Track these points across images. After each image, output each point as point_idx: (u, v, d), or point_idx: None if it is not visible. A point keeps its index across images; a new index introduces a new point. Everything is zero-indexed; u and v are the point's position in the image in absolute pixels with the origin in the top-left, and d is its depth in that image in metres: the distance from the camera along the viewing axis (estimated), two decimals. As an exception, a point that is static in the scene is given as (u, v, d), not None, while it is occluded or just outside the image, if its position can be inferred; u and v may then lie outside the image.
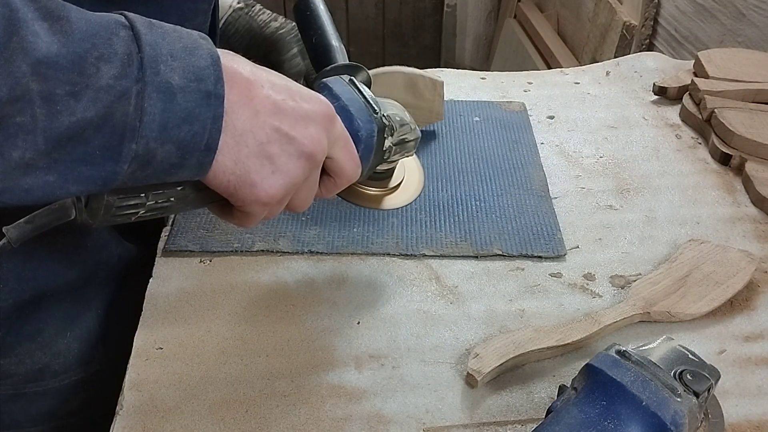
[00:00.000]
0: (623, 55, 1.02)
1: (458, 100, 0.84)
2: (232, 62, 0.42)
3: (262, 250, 0.61)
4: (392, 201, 0.63)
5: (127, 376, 0.51)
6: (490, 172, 0.72)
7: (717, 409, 0.46)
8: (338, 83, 0.54)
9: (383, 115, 0.53)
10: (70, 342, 0.61)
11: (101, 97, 0.35)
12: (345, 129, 0.49)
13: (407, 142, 0.57)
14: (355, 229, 0.64)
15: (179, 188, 0.44)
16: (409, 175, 0.64)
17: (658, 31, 1.53)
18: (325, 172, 0.49)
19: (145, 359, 0.52)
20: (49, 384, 0.60)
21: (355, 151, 0.50)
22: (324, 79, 0.54)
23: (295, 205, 0.48)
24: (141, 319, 0.55)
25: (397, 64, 0.75)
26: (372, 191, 0.62)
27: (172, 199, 0.44)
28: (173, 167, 0.40)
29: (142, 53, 0.37)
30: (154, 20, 0.39)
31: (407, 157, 0.59)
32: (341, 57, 0.66)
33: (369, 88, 0.55)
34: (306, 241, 0.62)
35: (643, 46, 1.56)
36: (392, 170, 0.62)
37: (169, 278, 0.59)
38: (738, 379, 0.52)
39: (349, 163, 0.49)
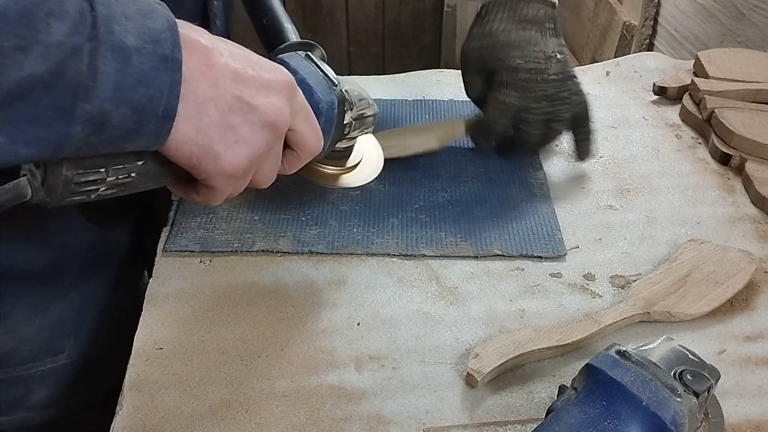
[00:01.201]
0: (623, 55, 1.01)
1: (458, 101, 0.84)
2: (190, 30, 0.41)
3: (262, 251, 0.61)
4: (349, 180, 0.62)
5: (127, 376, 0.51)
6: (490, 172, 0.72)
7: (717, 409, 0.46)
8: (295, 58, 0.54)
9: (342, 90, 0.53)
10: (39, 330, 0.60)
11: (52, 53, 0.34)
12: (306, 101, 0.49)
13: (366, 117, 0.57)
14: (355, 230, 0.64)
15: (140, 162, 0.43)
16: (367, 155, 0.63)
17: (658, 31, 1.53)
18: (287, 146, 0.49)
19: (145, 359, 0.52)
20: (15, 372, 0.60)
21: (317, 123, 0.50)
22: (280, 55, 0.53)
23: (258, 180, 0.48)
24: (141, 319, 0.55)
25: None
26: (330, 170, 0.61)
27: (133, 174, 0.43)
28: (129, 133, 0.39)
29: (95, 12, 0.36)
30: None
31: (366, 133, 0.59)
32: (294, 36, 0.66)
33: (325, 63, 0.55)
34: (306, 242, 0.62)
35: (643, 46, 1.55)
36: (351, 149, 0.60)
37: (169, 278, 0.59)
38: (738, 379, 0.52)
39: (312, 135, 0.49)
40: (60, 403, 0.64)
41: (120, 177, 0.43)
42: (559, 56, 0.68)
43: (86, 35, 0.36)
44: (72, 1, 0.36)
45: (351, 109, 0.54)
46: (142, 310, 0.56)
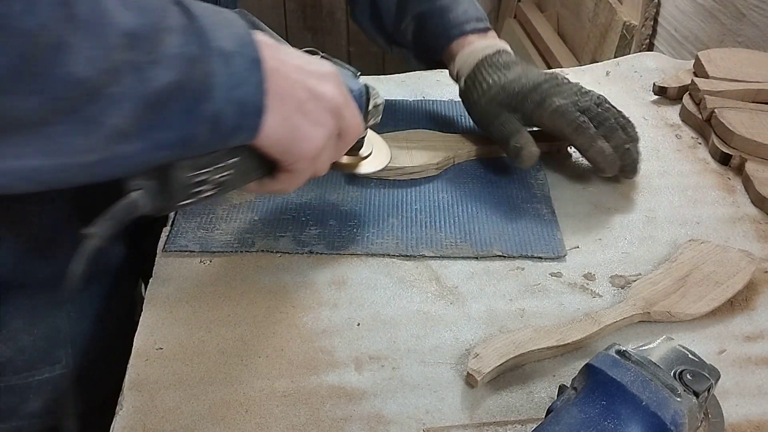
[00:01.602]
0: (623, 55, 1.01)
1: (459, 101, 0.84)
2: (257, 33, 0.46)
3: (263, 251, 0.61)
4: (366, 167, 0.65)
5: (127, 376, 0.51)
6: (490, 172, 0.72)
7: (717, 409, 0.46)
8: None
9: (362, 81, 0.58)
10: (36, 340, 0.60)
11: (176, 64, 0.39)
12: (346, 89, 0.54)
13: (378, 105, 0.61)
14: (355, 230, 0.64)
15: (236, 159, 0.48)
16: (376, 145, 0.67)
17: (658, 31, 1.53)
18: None
19: (145, 359, 0.52)
20: (11, 380, 0.60)
21: (357, 108, 0.54)
22: None
23: (319, 167, 0.52)
24: (141, 319, 0.55)
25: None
26: (346, 160, 0.63)
27: (231, 171, 0.48)
28: (234, 130, 0.44)
29: (196, 23, 0.41)
30: None
31: (377, 120, 0.62)
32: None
33: None
34: (306, 242, 0.62)
35: (643, 46, 1.55)
36: (364, 138, 0.64)
37: (169, 278, 0.59)
38: (738, 379, 0.52)
39: (355, 120, 0.54)
40: (55, 412, 0.64)
41: (221, 175, 0.48)
42: (552, 72, 0.72)
43: (196, 44, 0.40)
44: (174, 15, 0.40)
45: (371, 97, 0.58)
46: (138, 318, 0.56)
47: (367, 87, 0.58)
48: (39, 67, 0.34)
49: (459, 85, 0.74)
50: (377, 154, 0.65)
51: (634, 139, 0.69)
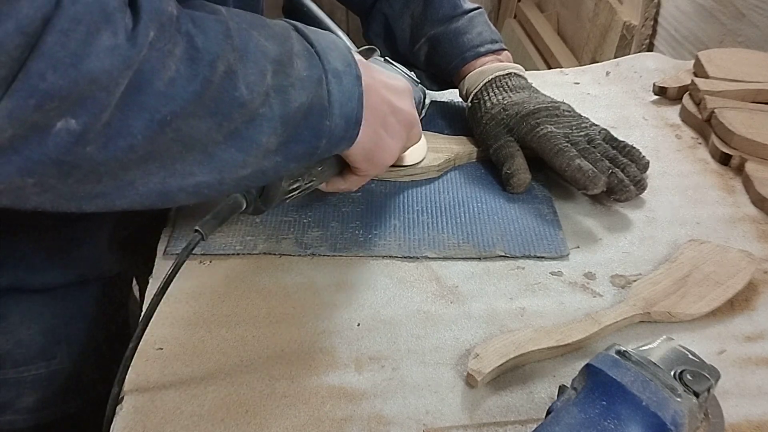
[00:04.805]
0: (623, 55, 1.01)
1: (459, 101, 0.84)
2: (354, 53, 0.50)
3: (265, 253, 0.61)
4: (408, 159, 0.69)
5: (127, 377, 0.51)
6: (491, 173, 0.72)
7: (717, 409, 0.46)
8: (379, 63, 0.63)
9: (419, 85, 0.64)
10: (34, 334, 0.61)
11: (306, 85, 0.43)
12: None
13: (426, 106, 0.64)
14: (357, 232, 0.64)
15: (322, 167, 0.53)
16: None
17: (658, 31, 1.53)
18: None
19: (145, 359, 0.52)
20: (8, 374, 0.61)
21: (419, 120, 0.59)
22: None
23: (382, 171, 0.58)
24: (141, 319, 0.55)
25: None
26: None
27: (314, 179, 0.53)
28: (340, 140, 0.48)
29: (315, 48, 0.45)
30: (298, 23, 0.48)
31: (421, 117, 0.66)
32: (351, 44, 0.69)
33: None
34: (308, 244, 0.62)
35: (643, 46, 1.56)
36: None
37: (169, 279, 0.59)
38: (738, 379, 0.52)
39: (419, 131, 0.59)
40: (48, 408, 0.64)
41: (307, 181, 0.52)
42: (559, 102, 0.72)
43: (318, 67, 0.45)
44: (296, 42, 0.44)
45: (425, 105, 0.63)
46: (130, 321, 0.56)
47: (424, 92, 0.60)
48: (214, 92, 0.38)
49: (466, 104, 0.74)
50: (416, 148, 0.68)
51: (632, 165, 0.67)
